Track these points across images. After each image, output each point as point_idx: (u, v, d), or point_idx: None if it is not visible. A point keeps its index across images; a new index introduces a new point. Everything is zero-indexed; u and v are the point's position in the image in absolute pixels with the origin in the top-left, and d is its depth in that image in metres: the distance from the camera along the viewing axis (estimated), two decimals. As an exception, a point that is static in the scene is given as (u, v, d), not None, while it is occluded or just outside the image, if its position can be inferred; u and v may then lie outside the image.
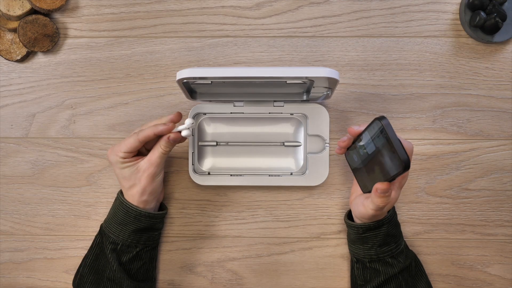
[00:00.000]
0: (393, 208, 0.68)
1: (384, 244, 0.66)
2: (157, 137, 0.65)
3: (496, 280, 0.74)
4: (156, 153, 0.65)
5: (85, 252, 0.72)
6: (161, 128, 0.63)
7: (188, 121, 0.63)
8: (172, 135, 0.63)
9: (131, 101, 0.74)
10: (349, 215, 0.71)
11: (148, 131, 0.64)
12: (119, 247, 0.67)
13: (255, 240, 0.75)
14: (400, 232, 0.69)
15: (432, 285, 0.73)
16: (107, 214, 0.74)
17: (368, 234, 0.66)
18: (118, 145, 0.65)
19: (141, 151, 0.68)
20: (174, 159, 0.74)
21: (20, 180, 0.75)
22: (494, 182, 0.73)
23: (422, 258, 0.74)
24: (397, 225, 0.68)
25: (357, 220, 0.67)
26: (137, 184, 0.66)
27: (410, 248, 0.73)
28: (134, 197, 0.66)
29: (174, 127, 0.64)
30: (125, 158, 0.65)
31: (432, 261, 0.74)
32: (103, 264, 0.68)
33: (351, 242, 0.69)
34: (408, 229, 0.74)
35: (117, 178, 0.69)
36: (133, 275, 0.68)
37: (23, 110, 0.75)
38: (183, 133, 0.63)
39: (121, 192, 0.69)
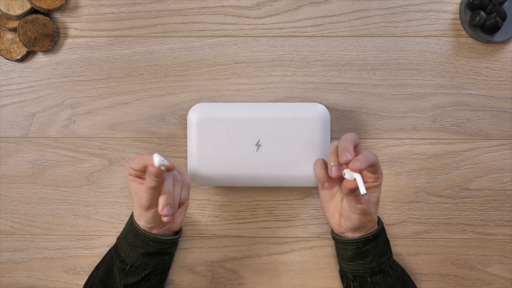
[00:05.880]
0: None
1: (383, 253, 0.65)
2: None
3: (496, 280, 0.74)
4: (143, 187, 0.61)
5: (86, 252, 0.72)
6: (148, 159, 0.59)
7: (156, 160, 0.58)
8: (151, 169, 0.58)
9: (131, 101, 0.74)
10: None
11: (138, 159, 0.61)
12: (128, 267, 0.65)
13: (255, 240, 0.75)
14: None
15: (432, 285, 0.73)
16: (108, 215, 0.75)
17: (368, 246, 0.64)
18: (131, 160, 0.63)
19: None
20: (174, 159, 0.74)
21: (20, 180, 0.75)
22: (494, 182, 0.73)
23: (422, 258, 0.74)
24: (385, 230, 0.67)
25: (348, 233, 0.65)
26: (134, 206, 0.65)
27: (408, 247, 0.73)
28: (135, 216, 0.65)
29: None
30: (130, 174, 0.63)
31: (432, 261, 0.74)
32: (112, 278, 0.67)
33: (348, 259, 0.66)
34: (408, 229, 0.74)
35: None
36: None
37: (23, 109, 0.75)
38: (156, 164, 0.58)
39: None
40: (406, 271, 0.71)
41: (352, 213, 0.62)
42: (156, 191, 0.61)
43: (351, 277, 0.66)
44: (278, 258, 0.74)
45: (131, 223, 0.65)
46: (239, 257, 0.75)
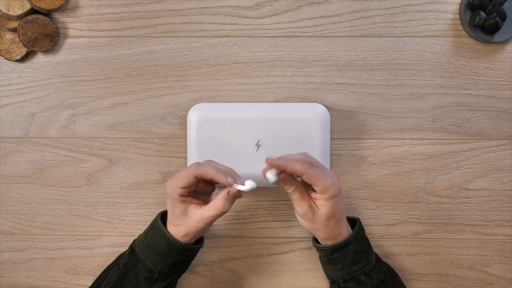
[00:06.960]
0: (359, 223, 0.67)
1: (355, 262, 0.65)
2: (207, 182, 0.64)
3: (496, 280, 0.74)
4: (211, 211, 0.62)
5: (86, 253, 0.72)
6: (222, 178, 0.60)
7: (249, 184, 0.61)
8: (232, 190, 0.60)
9: (131, 101, 0.74)
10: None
11: (208, 170, 0.61)
12: (155, 276, 0.65)
13: (255, 240, 0.75)
14: (370, 246, 0.68)
15: (432, 285, 0.73)
16: (108, 216, 0.75)
17: (336, 255, 0.64)
18: (176, 179, 0.62)
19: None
20: (174, 159, 0.74)
21: (20, 180, 0.75)
22: (494, 182, 0.73)
23: (422, 258, 0.74)
24: (364, 240, 0.67)
25: (323, 240, 0.66)
26: (183, 226, 0.63)
27: (408, 247, 0.73)
28: (176, 234, 0.64)
29: (233, 183, 0.61)
30: (182, 195, 0.62)
31: (431, 261, 0.74)
32: (126, 285, 0.66)
33: (323, 264, 0.68)
34: (408, 229, 0.74)
35: (167, 208, 0.66)
36: None
37: (23, 110, 0.75)
38: (242, 188, 0.61)
39: (160, 219, 0.66)
40: (406, 272, 0.71)
41: (297, 214, 0.65)
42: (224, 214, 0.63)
43: (330, 280, 0.69)
44: (278, 258, 0.74)
45: (163, 235, 0.64)
46: (239, 257, 0.75)
